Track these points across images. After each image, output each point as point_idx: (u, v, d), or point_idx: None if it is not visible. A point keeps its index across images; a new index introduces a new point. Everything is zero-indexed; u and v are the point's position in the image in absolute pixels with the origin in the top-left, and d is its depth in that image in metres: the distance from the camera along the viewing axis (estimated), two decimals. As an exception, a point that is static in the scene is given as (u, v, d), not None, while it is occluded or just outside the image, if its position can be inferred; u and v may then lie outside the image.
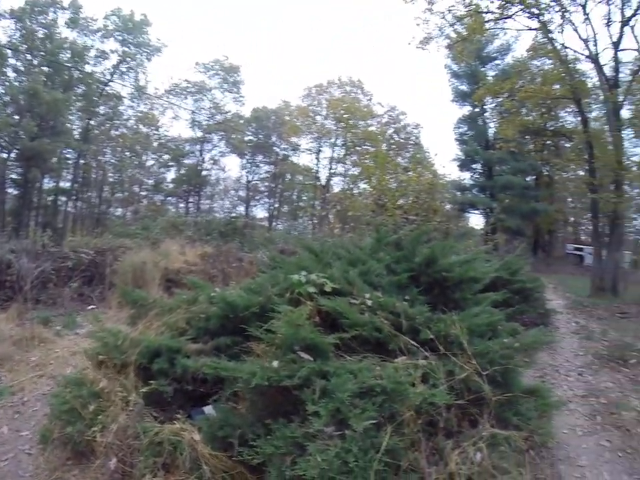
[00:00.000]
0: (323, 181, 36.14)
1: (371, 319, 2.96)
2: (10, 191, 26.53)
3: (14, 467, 3.14)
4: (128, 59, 31.38)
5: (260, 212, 43.05)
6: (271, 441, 2.27)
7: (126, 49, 31.05)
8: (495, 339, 3.21)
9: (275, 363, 2.53)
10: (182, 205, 40.07)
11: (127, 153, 36.11)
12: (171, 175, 39.30)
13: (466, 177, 31.39)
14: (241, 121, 39.17)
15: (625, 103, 14.83)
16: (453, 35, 16.91)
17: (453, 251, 4.23)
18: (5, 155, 24.97)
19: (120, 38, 30.84)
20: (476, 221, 35.13)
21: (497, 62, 28.53)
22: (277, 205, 43.14)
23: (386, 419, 2.34)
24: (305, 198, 41.11)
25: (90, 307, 8.06)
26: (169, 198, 39.97)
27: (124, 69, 31.98)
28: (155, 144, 38.04)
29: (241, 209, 41.23)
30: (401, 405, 2.39)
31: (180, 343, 3.34)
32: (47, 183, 28.74)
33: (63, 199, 30.38)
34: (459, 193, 29.84)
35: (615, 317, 9.85)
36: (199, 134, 37.51)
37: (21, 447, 3.39)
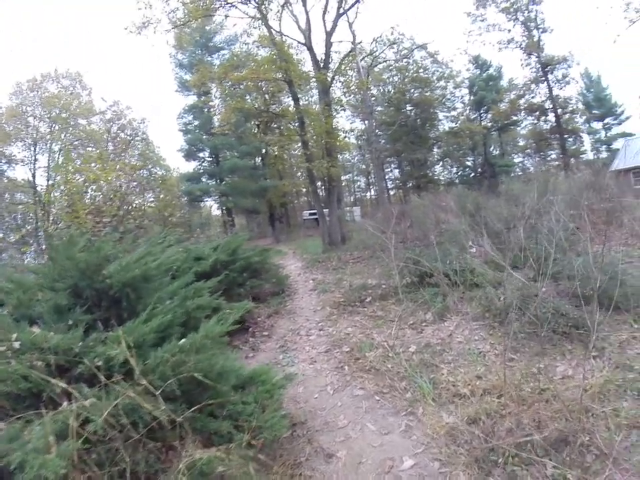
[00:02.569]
0: (43, 196, 30.15)
1: (16, 367, 2.26)
2: None
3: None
4: None
5: None
6: None
7: None
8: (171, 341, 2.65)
9: None
10: None
11: None
12: None
13: (193, 166, 31.11)
14: None
15: (334, 82, 16.77)
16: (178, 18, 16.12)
17: (108, 254, 3.48)
18: None
19: None
20: (215, 207, 35.68)
21: (224, 52, 28.55)
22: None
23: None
24: (31, 220, 33.83)
25: None
26: None
27: None
28: None
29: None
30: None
31: None
32: None
33: None
34: (189, 183, 29.11)
35: (348, 264, 10.55)
36: None
37: None
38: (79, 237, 4.13)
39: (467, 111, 36.64)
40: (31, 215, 32.82)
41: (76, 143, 31.01)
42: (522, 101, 30.31)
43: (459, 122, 35.00)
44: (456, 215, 8.42)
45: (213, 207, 36.21)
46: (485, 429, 2.55)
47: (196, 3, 14.82)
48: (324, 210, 16.75)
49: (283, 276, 8.91)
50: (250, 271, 7.34)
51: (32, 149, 30.52)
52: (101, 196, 9.23)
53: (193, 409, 2.34)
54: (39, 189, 29.74)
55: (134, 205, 9.96)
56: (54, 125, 30.48)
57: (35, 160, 30.69)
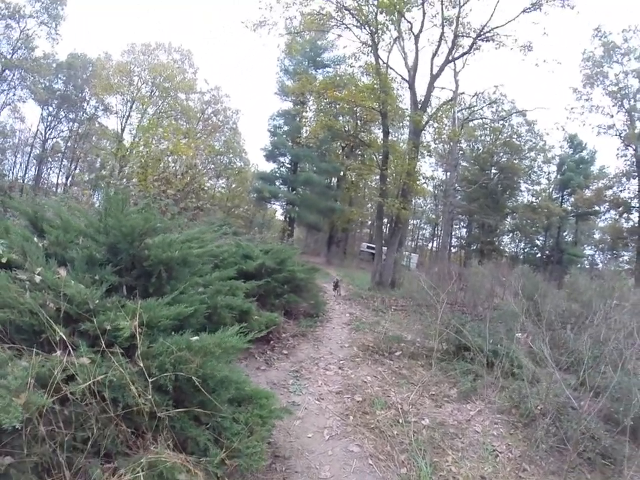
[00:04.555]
0: (126, 151, 32.05)
1: (27, 300, 2.27)
2: None
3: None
4: None
5: (60, 177, 36.59)
6: None
7: None
8: (185, 332, 2.57)
9: None
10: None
11: None
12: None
13: (271, 168, 31.55)
14: (54, 65, 32.23)
15: (427, 127, 16.61)
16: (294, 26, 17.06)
17: (154, 226, 3.48)
18: None
19: None
20: (278, 212, 36.19)
21: (329, 69, 29.09)
22: (77, 171, 36.50)
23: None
24: (108, 166, 36.06)
25: None
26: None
27: None
28: None
29: (34, 169, 34.54)
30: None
31: None
32: None
33: None
34: (262, 182, 29.67)
35: (390, 310, 10.16)
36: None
37: None
38: (140, 198, 4.24)
39: (551, 189, 35.34)
40: (109, 162, 35.20)
41: (171, 112, 32.78)
42: (609, 192, 28.75)
43: (540, 198, 33.75)
44: (513, 294, 7.97)
45: (277, 211, 36.93)
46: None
47: (313, 16, 15.35)
48: (383, 248, 16.53)
49: (322, 300, 8.77)
50: (292, 285, 7.27)
51: (128, 105, 32.65)
52: (174, 168, 9.58)
53: (178, 409, 2.26)
54: (124, 142, 31.73)
55: (202, 187, 10.25)
56: (155, 91, 32.43)
57: (129, 116, 32.89)
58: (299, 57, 28.46)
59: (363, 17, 14.84)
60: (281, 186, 30.15)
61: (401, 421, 3.74)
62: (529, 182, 34.52)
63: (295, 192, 29.00)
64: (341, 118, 22.12)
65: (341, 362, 5.66)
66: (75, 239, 3.16)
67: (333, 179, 31.05)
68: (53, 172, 38.05)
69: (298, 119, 28.67)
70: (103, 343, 2.23)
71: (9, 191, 16.22)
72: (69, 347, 2.17)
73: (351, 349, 6.32)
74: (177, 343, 2.35)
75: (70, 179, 35.63)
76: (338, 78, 17.74)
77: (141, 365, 2.20)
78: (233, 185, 34.91)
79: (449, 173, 25.24)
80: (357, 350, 6.23)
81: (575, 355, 4.86)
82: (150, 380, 2.16)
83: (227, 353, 2.60)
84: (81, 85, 34.19)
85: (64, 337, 2.18)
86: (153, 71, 31.64)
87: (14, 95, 31.21)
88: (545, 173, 35.07)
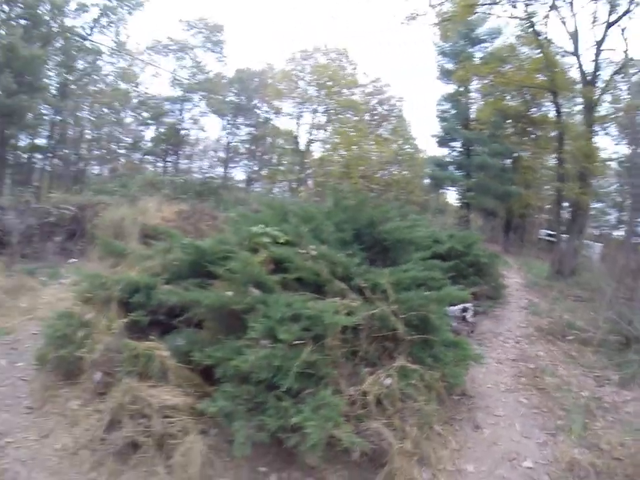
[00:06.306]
0: (303, 147, 36.07)
1: (312, 265, 3.53)
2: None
3: (11, 391, 3.61)
4: (109, 13, 28.79)
5: (239, 174, 42.66)
6: (219, 349, 2.92)
7: (107, 2, 28.40)
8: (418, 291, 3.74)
9: (229, 293, 3.22)
10: (160, 164, 38.67)
11: (105, 110, 33.79)
12: (149, 133, 37.55)
13: (444, 154, 31.01)
14: (224, 81, 38.06)
15: (600, 101, 15.38)
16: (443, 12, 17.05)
17: (390, 216, 4.88)
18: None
19: (102, -10, 28.86)
20: (452, 197, 35.69)
21: (486, 44, 27.67)
22: (256, 168, 42.13)
23: (311, 339, 2.91)
24: (285, 162, 40.32)
25: (71, 260, 8.45)
26: (147, 157, 38.32)
27: (104, 23, 29.17)
28: (134, 101, 36.00)
29: (220, 170, 40.62)
30: (323, 329, 2.93)
31: (156, 280, 3.83)
32: (23, 140, 26.40)
33: (39, 156, 28.55)
34: (436, 168, 29.60)
35: (567, 299, 10.18)
36: (179, 93, 35.82)
37: (17, 375, 3.88)
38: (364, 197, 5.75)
39: None
40: (285, 158, 38.99)
41: (339, 109, 35.26)
42: None
43: None
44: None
45: (449, 196, 36.69)
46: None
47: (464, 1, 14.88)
48: (562, 236, 15.70)
49: (502, 284, 9.25)
50: (476, 268, 7.88)
51: (299, 107, 36.22)
52: (370, 165, 10.95)
53: (416, 336, 3.48)
54: (299, 140, 35.92)
55: (395, 179, 11.49)
56: (320, 91, 35.26)
57: (300, 116, 36.53)
58: (453, 37, 27.66)
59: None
60: (455, 171, 29.76)
61: (564, 387, 4.66)
62: None
63: (469, 176, 28.39)
64: (507, 96, 21.13)
65: (518, 338, 6.64)
66: (321, 226, 4.38)
67: (507, 161, 29.65)
68: (236, 170, 43.75)
69: (465, 101, 28.30)
70: (365, 293, 3.49)
71: (218, 189, 19.47)
72: (344, 295, 3.43)
73: (527, 329, 7.17)
74: (416, 295, 3.61)
75: (253, 175, 41.41)
76: (501, 53, 17.07)
77: (394, 307, 3.42)
78: (404, 172, 35.62)
79: (632, 147, 21.93)
80: (532, 330, 7.04)
81: None
82: (400, 317, 3.39)
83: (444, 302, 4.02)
84: (250, 95, 39.17)
85: (343, 287, 3.48)
86: (315, 73, 34.71)
87: (198, 111, 37.54)
88: None
